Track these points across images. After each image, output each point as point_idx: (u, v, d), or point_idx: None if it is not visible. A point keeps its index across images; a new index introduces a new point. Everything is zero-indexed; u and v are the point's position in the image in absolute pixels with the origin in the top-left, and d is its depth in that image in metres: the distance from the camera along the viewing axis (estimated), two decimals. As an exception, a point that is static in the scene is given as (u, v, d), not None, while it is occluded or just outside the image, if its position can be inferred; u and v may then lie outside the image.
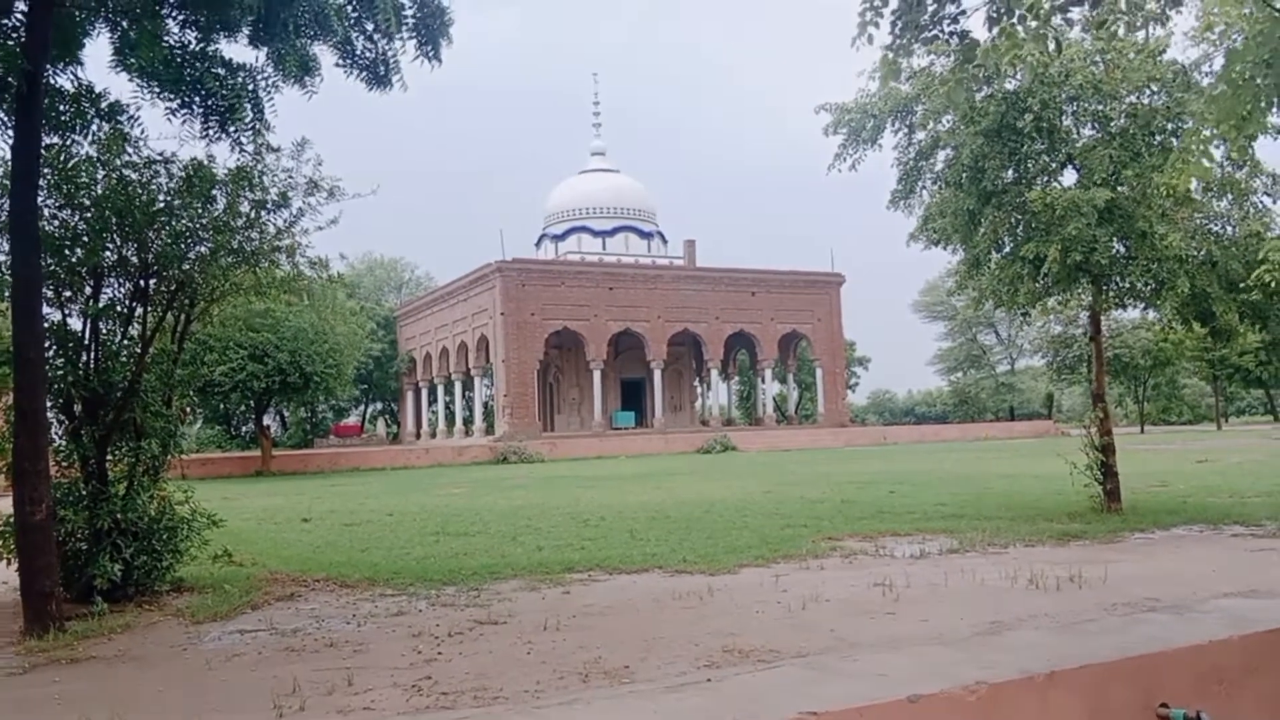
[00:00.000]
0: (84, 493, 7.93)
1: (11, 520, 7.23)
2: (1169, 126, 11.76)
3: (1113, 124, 11.94)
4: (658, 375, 50.48)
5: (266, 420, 43.04)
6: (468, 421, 56.47)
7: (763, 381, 57.48)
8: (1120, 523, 11.41)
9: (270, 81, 7.94)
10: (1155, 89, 11.89)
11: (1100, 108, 12.01)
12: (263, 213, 8.65)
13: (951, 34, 5.58)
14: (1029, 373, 75.96)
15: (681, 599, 7.35)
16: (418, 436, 57.49)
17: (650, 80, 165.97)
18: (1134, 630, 5.53)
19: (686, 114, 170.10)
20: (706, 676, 4.73)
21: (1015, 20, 5.16)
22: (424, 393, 59.10)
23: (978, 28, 5.80)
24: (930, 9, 5.42)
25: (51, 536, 7.01)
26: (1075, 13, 5.51)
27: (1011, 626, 5.92)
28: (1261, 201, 12.29)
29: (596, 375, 48.78)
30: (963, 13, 5.54)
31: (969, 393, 76.36)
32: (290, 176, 8.60)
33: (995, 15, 5.30)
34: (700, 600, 7.27)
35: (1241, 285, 11.58)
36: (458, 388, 55.54)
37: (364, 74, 7.95)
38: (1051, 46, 5.41)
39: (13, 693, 5.29)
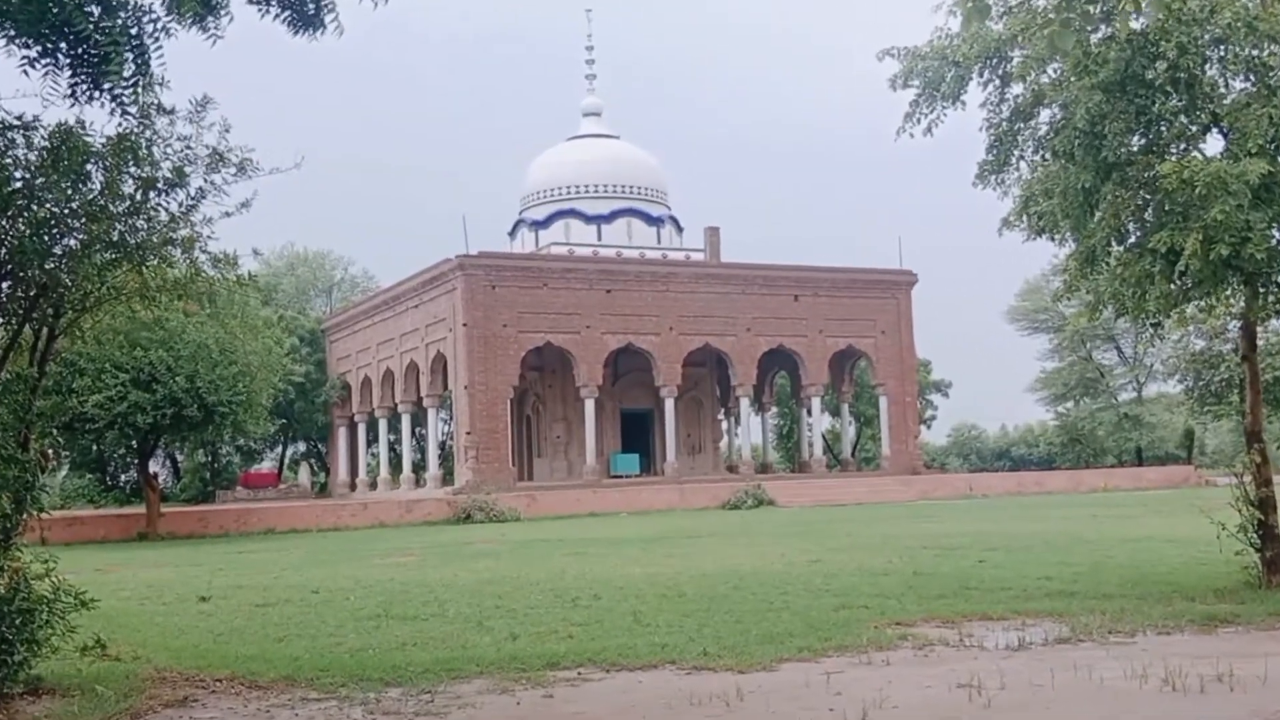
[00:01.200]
0: (-89, 564, 7.94)
1: None
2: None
3: (1272, 75, 11.95)
4: (670, 406, 50.50)
5: (154, 466, 43.11)
6: (419, 467, 56.48)
7: (809, 414, 57.45)
8: (1284, 603, 11.36)
9: (161, 24, 7.98)
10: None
11: (1256, 53, 12.01)
12: (151, 194, 8.70)
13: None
14: (1161, 402, 75.74)
15: (702, 705, 7.33)
16: (353, 487, 57.48)
17: (658, 24, 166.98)
18: (1303, 748, 5.50)
19: (704, 66, 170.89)
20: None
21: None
22: (361, 429, 59.15)
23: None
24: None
25: None
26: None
27: (1140, 742, 5.89)
28: None
29: (589, 406, 48.80)
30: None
31: (1082, 428, 76.11)
32: (188, 147, 8.67)
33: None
34: (726, 707, 7.25)
35: None
36: (406, 423, 55.59)
37: (287, 12, 7.98)
38: None
39: None
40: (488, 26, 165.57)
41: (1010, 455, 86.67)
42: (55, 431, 9.32)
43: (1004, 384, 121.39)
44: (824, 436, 61.51)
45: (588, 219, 57.74)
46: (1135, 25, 11.85)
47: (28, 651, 8.31)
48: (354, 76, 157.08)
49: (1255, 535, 12.62)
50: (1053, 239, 13.39)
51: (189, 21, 8.01)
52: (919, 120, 12.94)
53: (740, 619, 11.23)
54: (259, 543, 30.63)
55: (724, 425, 60.09)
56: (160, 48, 8.09)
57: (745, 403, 53.30)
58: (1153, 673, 7.79)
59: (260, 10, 8.04)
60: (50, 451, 9.45)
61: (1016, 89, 12.90)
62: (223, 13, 8.11)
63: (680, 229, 60.07)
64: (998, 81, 12.94)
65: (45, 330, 8.89)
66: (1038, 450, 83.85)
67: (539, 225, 58.53)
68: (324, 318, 63.19)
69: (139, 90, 8.34)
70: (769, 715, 6.98)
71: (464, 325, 47.04)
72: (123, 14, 8.12)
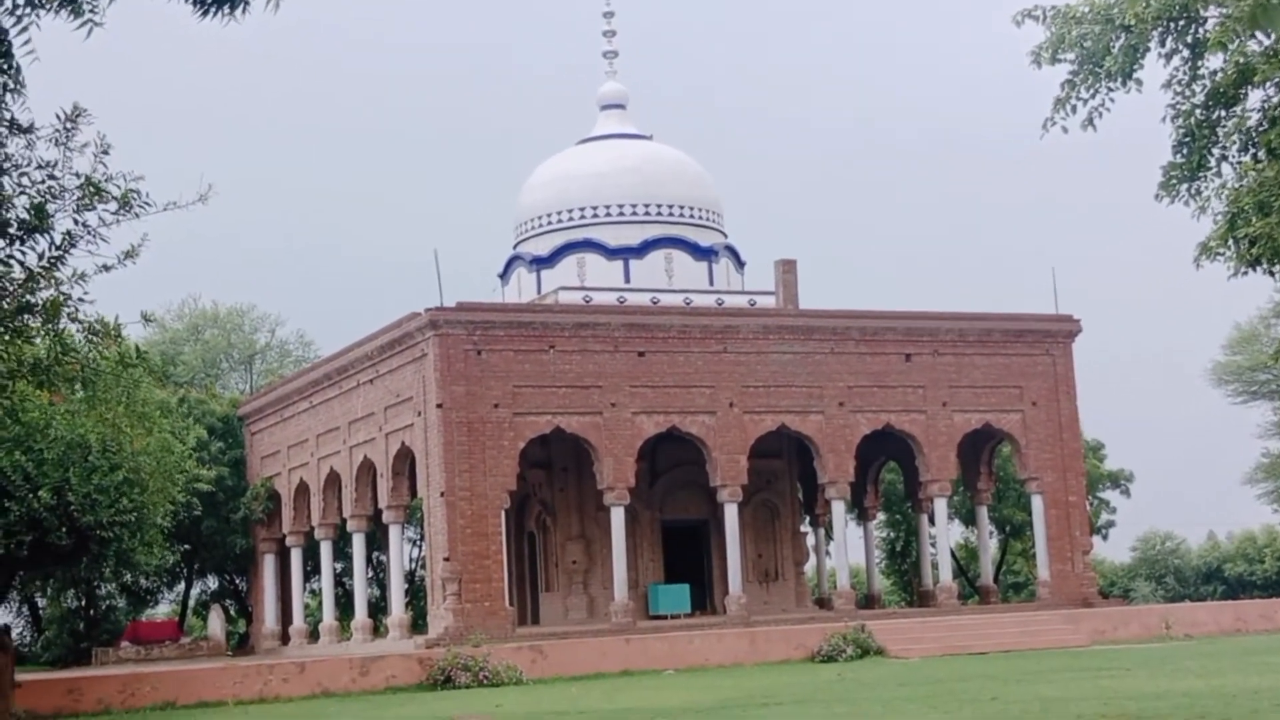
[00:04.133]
0: None
1: None
2: None
3: None
4: (732, 515, 50.24)
5: (4, 616, 43.23)
6: (377, 610, 56.39)
7: (931, 523, 57.07)
8: None
9: (17, 8, 8.17)
10: None
11: None
12: (2, 242, 8.81)
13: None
14: None
15: None
16: (285, 640, 57.43)
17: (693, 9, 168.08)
18: None
19: (765, 48, 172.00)
20: None
21: None
22: (296, 556, 59.09)
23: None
24: None
25: None
26: None
27: None
28: None
29: (617, 517, 48.60)
30: None
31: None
32: (52, 176, 8.77)
33: None
34: None
35: None
36: (359, 545, 55.57)
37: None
38: None
39: None
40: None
41: (1223, 576, 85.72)
42: None
43: (1210, 474, 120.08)
44: (954, 554, 61.03)
45: (610, 252, 57.64)
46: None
47: None
48: (273, 72, 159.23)
49: None
50: (1272, 272, 13.37)
51: (58, 5, 8.19)
52: (1075, 106, 12.99)
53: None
54: (154, 723, 30.58)
55: (810, 541, 59.81)
56: (27, 40, 8.27)
57: (840, 508, 52.97)
58: None
59: (154, -15, 8.21)
60: None
61: (1214, 62, 12.94)
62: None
63: (741, 263, 59.98)
64: (1187, 52, 12.99)
65: None
66: (1263, 568, 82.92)
67: (541, 263, 58.49)
68: (243, 399, 63.57)
69: None
70: None
71: (438, 406, 47.03)
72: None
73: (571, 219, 58.43)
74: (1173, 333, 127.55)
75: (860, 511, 58.24)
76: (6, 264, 9.06)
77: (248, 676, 40.47)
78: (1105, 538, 72.97)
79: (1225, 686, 24.17)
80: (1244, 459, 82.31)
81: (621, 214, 58.09)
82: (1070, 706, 21.51)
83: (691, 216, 59.11)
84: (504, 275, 60.47)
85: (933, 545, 57.69)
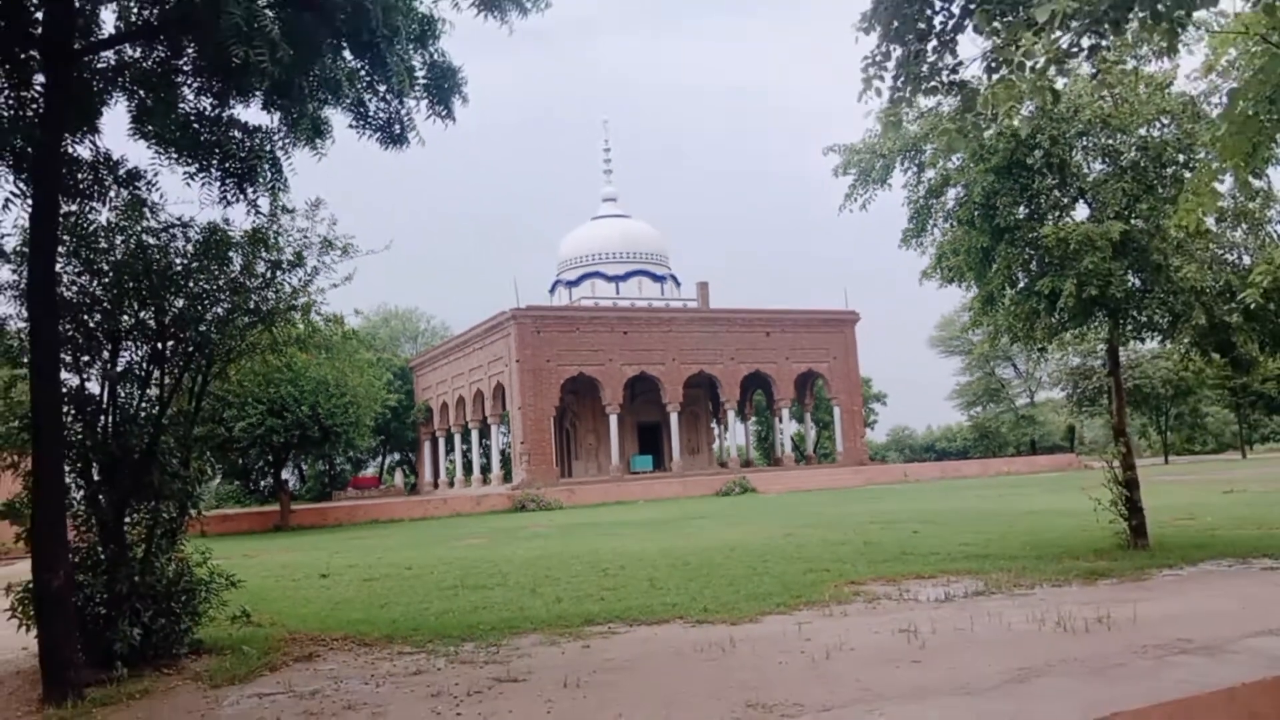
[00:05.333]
0: (102, 557, 7.94)
1: (30, 586, 7.24)
2: (1180, 158, 11.77)
3: (1123, 158, 11.97)
4: (674, 418, 50.36)
5: (285, 474, 43.08)
6: (485, 470, 56.39)
7: (780, 422, 57.25)
8: (1148, 559, 11.25)
9: (285, 143, 8.06)
10: (1165, 121, 11.91)
11: (1110, 142, 12.05)
12: (278, 273, 8.74)
13: (950, 84, 5.63)
14: (1049, 405, 75.36)
15: (703, 651, 7.26)
16: (435, 486, 57.43)
17: (659, 122, 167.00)
18: (1165, 674, 5.42)
19: (697, 153, 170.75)
20: (730, 734, 4.66)
21: (1011, 72, 5.20)
22: (441, 442, 59.13)
23: (978, 73, 5.86)
24: (929, 61, 5.47)
25: (70, 604, 7.01)
26: (1073, 63, 5.56)
27: (1040, 673, 5.81)
28: (1277, 230, 12.25)
29: (613, 420, 48.70)
30: (960, 64, 5.59)
31: (989, 427, 75.78)
32: (305, 236, 8.71)
33: (994, 65, 5.34)
34: (722, 652, 7.18)
35: (1260, 311, 11.51)
36: (474, 436, 55.53)
37: (378, 134, 8.04)
38: (1047, 98, 5.45)
39: (31, 764, 5.25)
40: (530, 131, 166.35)
41: (935, 449, 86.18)
42: (209, 452, 9.33)
43: (928, 395, 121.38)
44: (792, 438, 61.15)
45: (608, 278, 57.86)
46: (1017, 124, 11.87)
47: (191, 622, 8.31)
48: (433, 174, 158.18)
49: (1124, 508, 12.54)
50: (960, 285, 13.36)
51: (304, 144, 8.10)
52: (856, 199, 12.92)
53: (732, 582, 11.15)
54: (365, 531, 30.60)
55: (716, 432, 59.86)
56: (290, 160, 8.20)
57: (731, 414, 53.15)
58: (1049, 617, 7.71)
59: (359, 133, 8.13)
60: (206, 468, 9.43)
61: (929, 174, 12.92)
62: (329, 136, 8.21)
63: (679, 284, 60.10)
64: (915, 169, 12.96)
65: (200, 377, 8.92)
66: (955, 444, 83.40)
67: (571, 284, 58.65)
68: (412, 358, 63.31)
69: (274, 193, 8.41)
70: (755, 658, 6.91)
71: (517, 361, 47.06)
72: (259, 136, 8.22)
73: (587, 260, 58.55)
74: (910, 317, 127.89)
75: (742, 415, 58.29)
76: (281, 284, 8.94)
77: (416, 506, 40.53)
78: (872, 429, 73.49)
79: (935, 507, 24.31)
80: (945, 387, 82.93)
81: (614, 258, 58.22)
82: (854, 517, 21.62)
83: (651, 259, 59.19)
84: (551, 291, 60.49)
85: (781, 433, 57.87)
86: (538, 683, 6.46)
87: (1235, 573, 10.24)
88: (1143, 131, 11.99)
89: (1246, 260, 12.22)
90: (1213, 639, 6.47)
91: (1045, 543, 13.75)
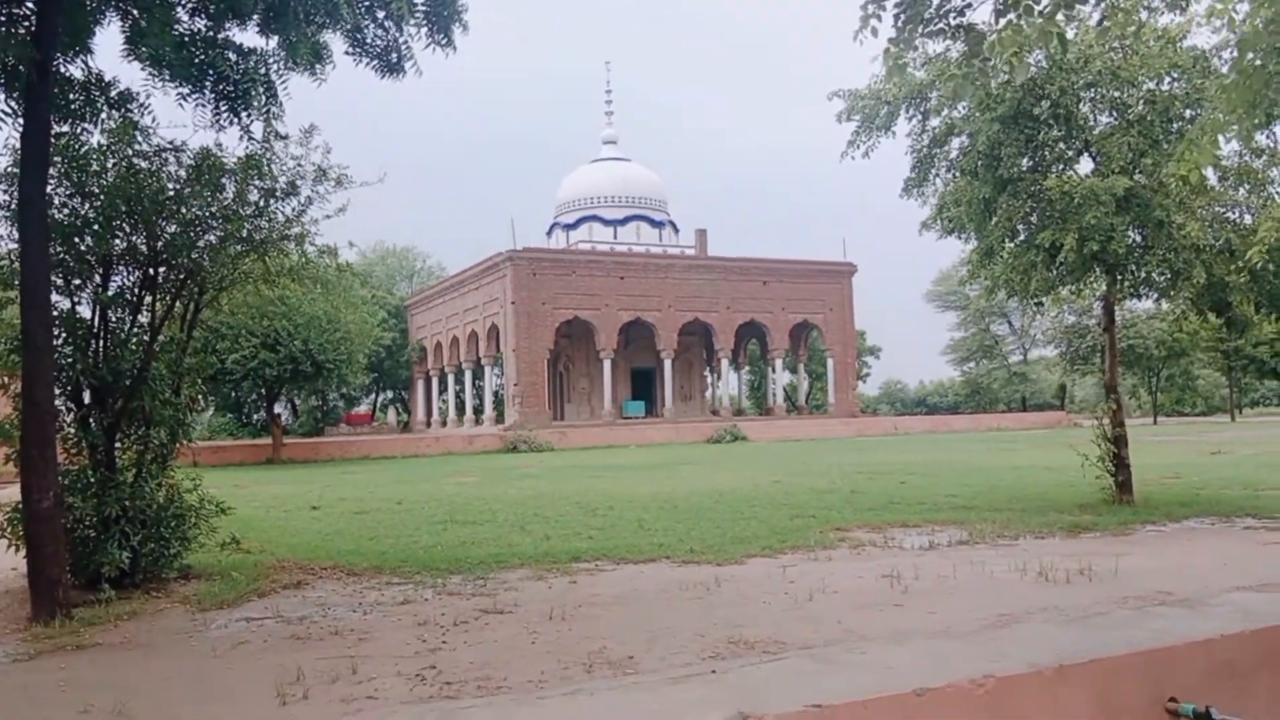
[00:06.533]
0: (92, 480, 7.96)
1: (20, 508, 7.27)
2: (1187, 114, 11.61)
3: (1131, 111, 11.81)
4: (668, 365, 50.42)
5: (278, 409, 43.18)
6: (478, 410, 56.53)
7: (773, 371, 57.35)
8: (1132, 515, 11.35)
9: (281, 67, 7.91)
10: (1175, 75, 11.74)
11: (1118, 94, 11.88)
12: (271, 201, 8.63)
13: (957, 27, 5.51)
14: (1042, 363, 75.56)
15: (688, 589, 7.34)
16: (428, 425, 57.61)
17: (664, 68, 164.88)
18: (1144, 624, 5.48)
19: (698, 102, 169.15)
20: (711, 668, 4.71)
21: (1018, 16, 5.07)
22: (434, 382, 59.18)
23: (986, 17, 5.73)
24: (934, 1, 5.34)
25: (59, 524, 7.04)
26: (1081, 9, 5.44)
27: (1020, 619, 5.87)
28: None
29: (607, 364, 48.72)
30: (969, 5, 5.46)
31: (981, 383, 76.03)
32: (298, 164, 8.59)
33: (1001, 7, 5.22)
34: (707, 591, 7.25)
35: (1261, 271, 11.47)
36: (468, 376, 55.60)
37: (375, 62, 7.90)
38: (1055, 45, 5.33)
39: (18, 679, 5.31)
40: (531, 75, 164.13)
41: (926, 403, 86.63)
42: (201, 382, 9.26)
43: (923, 349, 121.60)
44: (784, 388, 61.33)
45: (606, 223, 57.44)
46: (1021, 74, 11.71)
47: (180, 546, 8.37)
48: (427, 106, 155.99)
49: (1111, 464, 12.62)
50: (960, 237, 13.28)
51: (303, 69, 7.94)
52: (859, 146, 12.75)
53: (719, 525, 11.24)
54: (357, 466, 30.78)
55: (709, 379, 60.02)
56: (285, 85, 8.04)
57: (725, 362, 53.20)
58: (1031, 567, 7.79)
59: (355, 60, 7.97)
60: (198, 397, 9.40)
61: (934, 122, 12.74)
62: (328, 62, 8.05)
63: (677, 231, 59.69)
64: (920, 117, 12.78)
65: (192, 305, 8.86)
66: (947, 399, 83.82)
67: (569, 227, 58.25)
68: (407, 297, 63.09)
69: (269, 117, 8.26)
70: (739, 597, 6.98)
71: (512, 303, 46.89)
72: (254, 58, 8.05)
73: (586, 204, 58.11)
74: (909, 272, 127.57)
75: (736, 364, 58.36)
76: (274, 213, 8.85)
77: (408, 444, 40.73)
78: (865, 382, 73.59)
79: (923, 459, 24.46)
80: (940, 342, 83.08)
81: (612, 202, 57.76)
82: (842, 466, 21.76)
83: (650, 204, 58.76)
84: (548, 233, 60.11)
85: (773, 383, 58.02)
86: (523, 615, 6.53)
87: (1218, 530, 10.34)
88: (1151, 85, 11.82)
89: (1248, 220, 12.15)
90: (1193, 592, 6.55)
91: (1031, 496, 13.87)
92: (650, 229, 57.86)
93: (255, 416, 52.74)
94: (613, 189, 58.00)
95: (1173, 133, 11.65)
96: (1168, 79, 11.85)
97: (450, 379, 57.02)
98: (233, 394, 47.62)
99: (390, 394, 68.59)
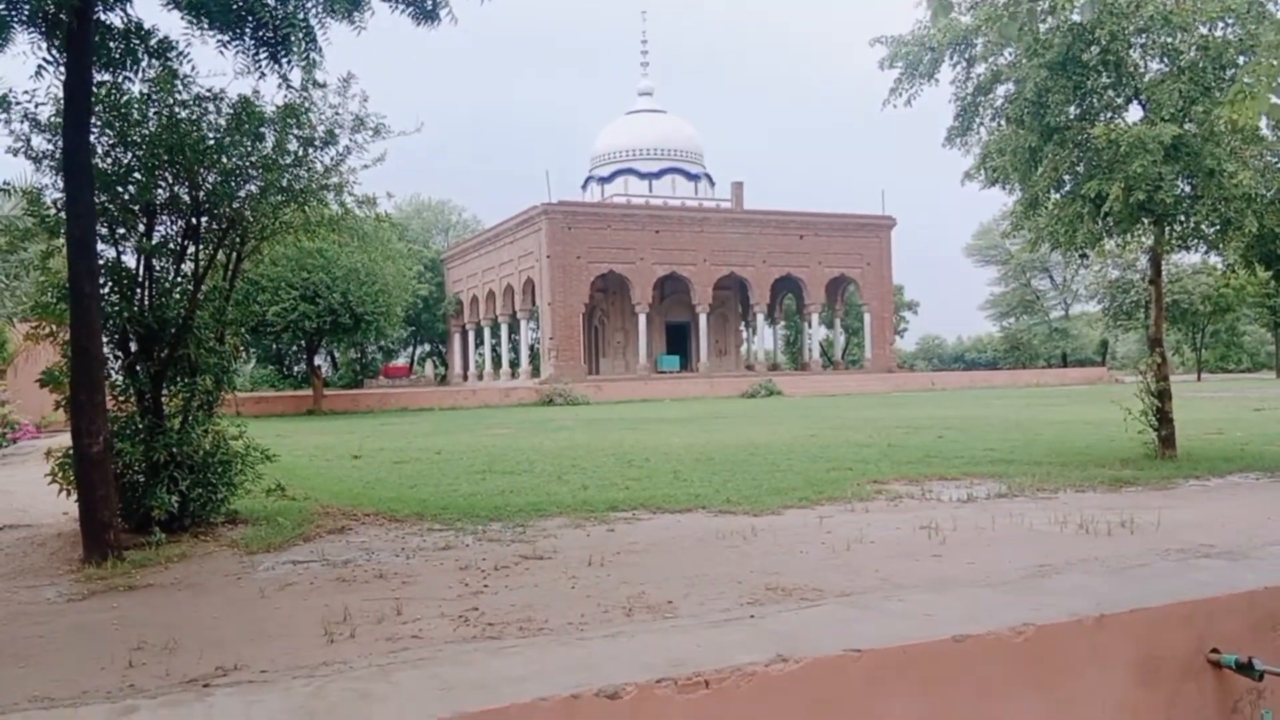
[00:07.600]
0: (140, 426, 8.12)
1: (70, 452, 7.43)
2: (1240, 61, 11.23)
3: (1182, 57, 11.45)
4: (703, 319, 50.31)
5: (318, 361, 43.73)
6: (514, 364, 56.90)
7: (809, 326, 57.07)
8: (1174, 469, 11.20)
9: (320, 14, 7.87)
10: (1229, 21, 11.34)
11: (1170, 40, 11.51)
12: (310, 150, 8.64)
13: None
14: (1083, 319, 74.43)
15: (725, 538, 7.37)
16: (465, 378, 58.11)
17: (700, 19, 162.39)
18: (1186, 575, 5.43)
19: (736, 53, 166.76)
20: (750, 613, 4.74)
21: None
22: (471, 335, 59.58)
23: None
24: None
25: (109, 468, 7.19)
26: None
27: (1060, 570, 5.84)
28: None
29: (642, 319, 48.72)
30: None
31: (1021, 339, 75.13)
32: (336, 113, 8.58)
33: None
34: (744, 540, 7.28)
35: None
36: (504, 330, 55.93)
37: (410, 7, 7.83)
38: None
39: (72, 618, 5.47)
40: (565, 29, 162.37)
41: (964, 359, 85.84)
42: (244, 332, 9.38)
43: (961, 304, 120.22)
44: (820, 344, 61.04)
45: (641, 175, 57.09)
46: (1075, 17, 11.38)
47: (226, 492, 8.53)
48: (460, 60, 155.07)
49: (1154, 418, 12.45)
50: (1003, 188, 13.01)
51: (341, 16, 7.90)
52: (901, 94, 12.50)
53: (755, 477, 11.25)
54: (396, 417, 31.14)
55: (744, 334, 59.89)
56: (325, 31, 8.01)
57: (760, 317, 52.99)
58: (1071, 520, 7.73)
59: (391, 6, 7.90)
60: (241, 347, 9.51)
61: (979, 69, 12.44)
62: (366, 8, 7.99)
63: (713, 183, 59.24)
64: (964, 63, 12.48)
65: (234, 254, 8.94)
66: (985, 355, 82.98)
67: (604, 180, 57.98)
68: (443, 251, 63.35)
69: (308, 64, 8.23)
70: (776, 546, 7.00)
71: (548, 257, 46.92)
72: (293, 3, 8.01)
73: (621, 157, 57.73)
74: (949, 225, 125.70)
75: (771, 319, 58.12)
76: (313, 162, 8.87)
77: (445, 396, 41.13)
78: (902, 337, 73.05)
79: (961, 414, 24.30)
80: (979, 297, 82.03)
81: (648, 154, 57.35)
82: (879, 421, 21.68)
83: (686, 157, 58.27)
84: (583, 187, 59.92)
85: (809, 338, 57.73)
86: (563, 560, 6.59)
87: (1262, 485, 10.18)
88: (1204, 30, 11.44)
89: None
90: (1236, 545, 6.46)
91: (1071, 450, 13.72)
92: (686, 182, 57.46)
93: (296, 369, 53.50)
94: (648, 142, 57.56)
95: (1225, 80, 11.28)
96: (1221, 24, 11.45)
97: (486, 332, 57.38)
98: (274, 346, 48.35)
99: (427, 347, 69.19)
